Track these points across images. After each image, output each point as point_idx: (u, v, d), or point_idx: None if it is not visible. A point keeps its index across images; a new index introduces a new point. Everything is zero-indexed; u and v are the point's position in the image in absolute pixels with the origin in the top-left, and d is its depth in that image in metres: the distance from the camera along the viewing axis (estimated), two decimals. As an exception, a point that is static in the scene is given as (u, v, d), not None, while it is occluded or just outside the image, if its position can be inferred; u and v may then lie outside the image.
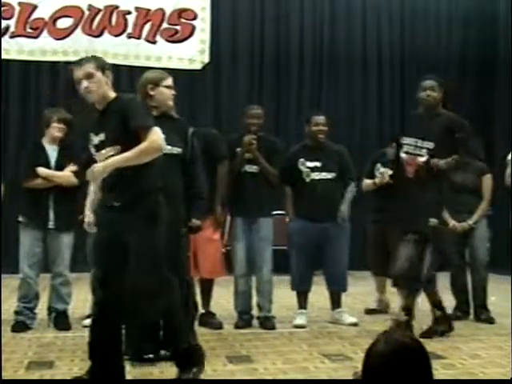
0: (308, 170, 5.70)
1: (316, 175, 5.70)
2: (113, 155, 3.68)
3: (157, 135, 3.70)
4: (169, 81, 4.52)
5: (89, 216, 4.11)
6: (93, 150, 3.85)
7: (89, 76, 3.75)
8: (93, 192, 4.21)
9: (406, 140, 5.17)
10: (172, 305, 3.80)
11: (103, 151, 3.75)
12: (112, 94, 3.84)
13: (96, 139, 3.80)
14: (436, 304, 5.30)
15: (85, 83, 3.75)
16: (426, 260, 5.15)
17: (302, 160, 5.71)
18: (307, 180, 5.70)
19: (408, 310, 5.11)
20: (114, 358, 3.84)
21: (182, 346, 3.83)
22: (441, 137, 5.08)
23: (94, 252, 4.12)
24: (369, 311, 6.32)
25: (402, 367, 1.99)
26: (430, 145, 5.07)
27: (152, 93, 4.49)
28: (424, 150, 5.08)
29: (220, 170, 5.49)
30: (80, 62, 3.83)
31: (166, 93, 4.48)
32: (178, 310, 3.84)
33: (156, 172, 3.82)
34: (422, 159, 5.08)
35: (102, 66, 3.83)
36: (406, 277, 5.06)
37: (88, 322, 5.60)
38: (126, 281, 3.69)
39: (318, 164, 5.71)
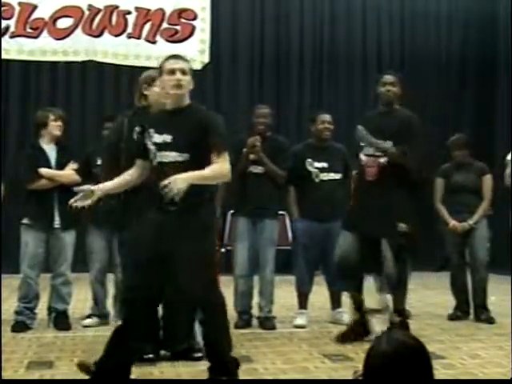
0: (317, 170, 5.71)
1: (324, 176, 5.72)
2: (180, 162, 3.67)
3: (228, 162, 3.76)
4: None
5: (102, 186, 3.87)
6: (152, 147, 3.79)
7: (184, 72, 3.83)
8: (129, 175, 3.98)
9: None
10: (219, 316, 3.79)
11: (167, 153, 3.72)
12: (188, 100, 3.87)
13: (159, 137, 3.77)
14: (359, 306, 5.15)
15: (179, 75, 3.80)
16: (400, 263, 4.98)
17: (309, 160, 5.71)
18: (316, 180, 5.71)
19: (398, 311, 5.04)
20: (127, 359, 3.82)
21: (227, 356, 3.78)
22: (399, 135, 4.92)
23: (129, 250, 4.01)
24: (369, 311, 6.31)
25: (404, 367, 1.99)
26: (389, 143, 4.92)
27: (146, 92, 4.49)
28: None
29: None
30: (178, 57, 3.90)
31: (159, 92, 4.47)
32: (224, 321, 3.82)
33: (214, 184, 3.92)
34: (383, 160, 4.93)
35: (192, 71, 3.93)
36: (387, 280, 4.99)
37: (88, 321, 5.62)
38: (175, 286, 3.68)
39: (325, 165, 5.73)
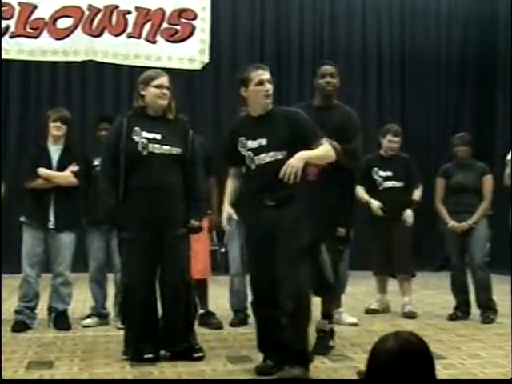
0: None
1: None
2: (280, 159, 3.97)
3: (328, 144, 4.13)
4: (159, 80, 4.48)
5: (227, 209, 4.22)
6: (248, 153, 4.10)
7: (269, 81, 4.12)
8: (231, 186, 4.33)
9: None
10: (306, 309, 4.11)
11: (265, 154, 4.03)
12: (271, 105, 4.15)
13: (254, 143, 4.08)
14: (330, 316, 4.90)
15: (267, 85, 4.09)
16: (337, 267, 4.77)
17: None
18: None
19: (328, 316, 4.86)
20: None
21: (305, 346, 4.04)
22: (340, 133, 4.61)
23: (246, 249, 4.35)
24: (369, 311, 6.32)
25: (409, 365, 2.00)
26: (334, 143, 4.53)
27: (143, 93, 4.49)
28: None
29: (211, 181, 5.59)
30: (263, 67, 4.17)
31: (155, 92, 4.45)
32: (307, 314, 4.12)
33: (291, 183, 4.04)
34: None
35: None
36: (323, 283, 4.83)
37: (88, 321, 5.62)
38: (280, 274, 3.93)
39: None
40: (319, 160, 4.13)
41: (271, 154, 4.03)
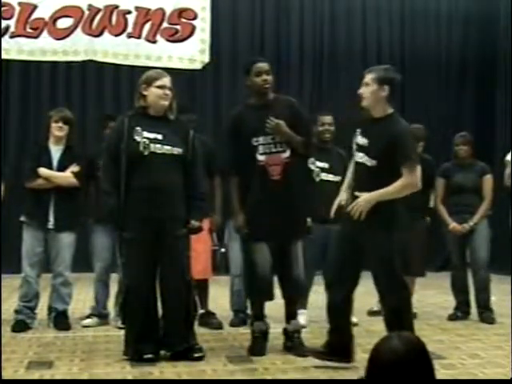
0: (318, 169, 5.70)
1: (325, 176, 5.71)
2: (368, 166, 4.17)
3: (417, 174, 4.20)
4: (162, 81, 4.49)
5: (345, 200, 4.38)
6: (354, 146, 4.32)
7: (366, 84, 4.23)
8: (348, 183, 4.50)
9: (259, 140, 4.62)
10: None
11: (362, 154, 4.22)
12: (387, 110, 4.24)
13: (364, 141, 4.25)
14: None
15: (361, 89, 4.25)
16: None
17: (311, 159, 5.68)
18: (317, 180, 5.70)
19: (295, 316, 4.85)
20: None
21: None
22: (291, 124, 4.59)
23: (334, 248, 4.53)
24: (372, 313, 6.29)
25: (414, 365, 2.00)
26: (297, 138, 4.60)
27: (145, 93, 4.49)
28: (284, 145, 4.59)
29: (215, 182, 5.60)
30: (370, 69, 4.31)
31: (157, 93, 4.46)
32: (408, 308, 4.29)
33: None
34: (286, 154, 4.62)
35: (380, 79, 4.20)
36: (296, 282, 4.79)
37: (88, 321, 5.62)
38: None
39: (326, 165, 5.72)
40: (391, 196, 4.20)
41: (365, 158, 4.20)
